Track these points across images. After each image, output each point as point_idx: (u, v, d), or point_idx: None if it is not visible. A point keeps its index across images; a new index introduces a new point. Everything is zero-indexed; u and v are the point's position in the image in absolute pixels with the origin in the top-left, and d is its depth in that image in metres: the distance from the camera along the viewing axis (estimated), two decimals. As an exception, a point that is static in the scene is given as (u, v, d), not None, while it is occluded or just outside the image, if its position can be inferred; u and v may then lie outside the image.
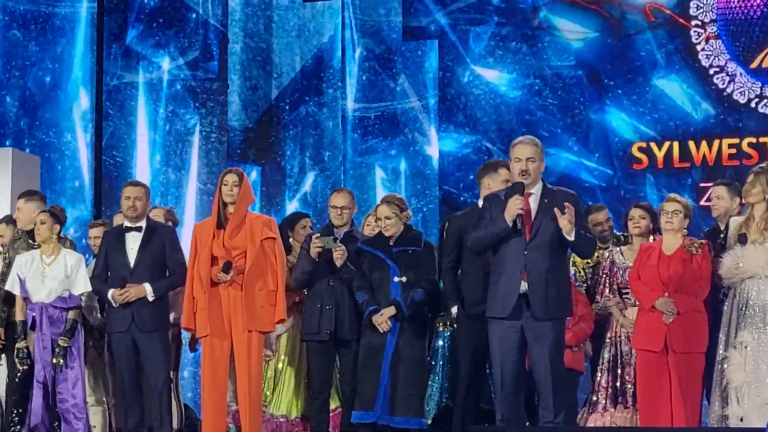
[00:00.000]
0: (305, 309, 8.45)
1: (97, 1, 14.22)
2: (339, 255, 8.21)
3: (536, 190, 7.21)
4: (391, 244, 8.20)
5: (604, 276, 8.46)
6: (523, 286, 7.07)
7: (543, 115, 13.40)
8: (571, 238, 7.03)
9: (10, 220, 9.13)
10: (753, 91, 12.64)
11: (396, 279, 8.10)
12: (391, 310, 8.03)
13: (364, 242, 8.35)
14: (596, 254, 8.53)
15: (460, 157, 13.65)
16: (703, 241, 7.99)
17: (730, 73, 12.80)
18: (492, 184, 7.95)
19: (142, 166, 14.13)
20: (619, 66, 13.25)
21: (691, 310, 7.80)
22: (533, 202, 7.17)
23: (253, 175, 13.99)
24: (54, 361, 8.26)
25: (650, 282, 7.88)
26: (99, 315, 8.82)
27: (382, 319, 8.01)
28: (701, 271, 7.83)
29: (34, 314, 8.33)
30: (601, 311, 8.47)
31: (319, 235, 8.33)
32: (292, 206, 13.85)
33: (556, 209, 7.04)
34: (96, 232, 9.12)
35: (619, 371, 8.32)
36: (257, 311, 8.11)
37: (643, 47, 13.16)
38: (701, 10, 12.96)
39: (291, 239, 9.08)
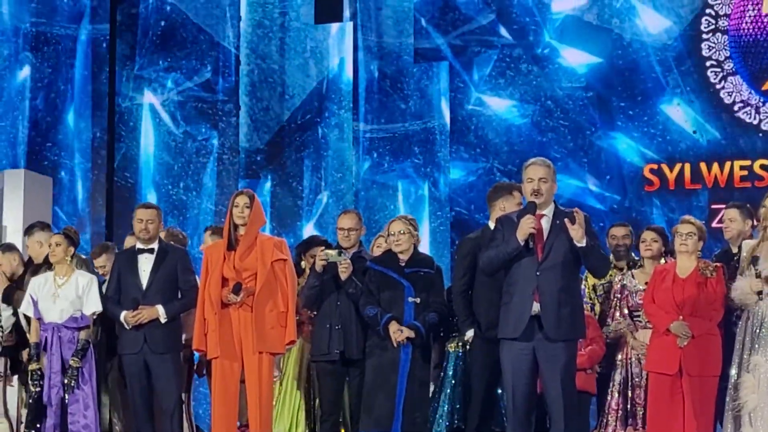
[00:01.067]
0: (315, 330, 8.44)
1: (109, 23, 14.27)
2: (344, 268, 8.18)
3: (548, 211, 7.20)
4: (403, 264, 8.18)
5: (615, 299, 8.44)
6: (536, 307, 7.06)
7: (554, 136, 13.41)
8: (582, 243, 7.01)
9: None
10: (764, 112, 12.65)
11: (411, 299, 8.09)
12: (410, 333, 8.01)
13: (373, 260, 8.34)
14: (609, 275, 8.51)
15: (471, 179, 13.65)
16: (718, 264, 7.98)
17: (741, 95, 12.80)
18: (507, 206, 7.93)
19: (155, 188, 14.16)
20: (628, 88, 13.26)
21: (706, 333, 7.78)
22: (545, 223, 7.16)
23: (265, 196, 14.00)
24: (65, 381, 8.26)
25: (664, 305, 7.86)
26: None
27: (402, 336, 7.99)
28: (716, 295, 7.81)
29: (46, 335, 8.34)
30: (612, 334, 8.45)
31: (323, 248, 8.33)
32: (307, 228, 13.86)
33: (566, 219, 7.03)
34: (101, 262, 9.10)
35: (629, 393, 8.29)
36: (267, 333, 8.10)
37: (652, 70, 13.17)
38: (711, 27, 12.98)
39: (303, 262, 9.07)
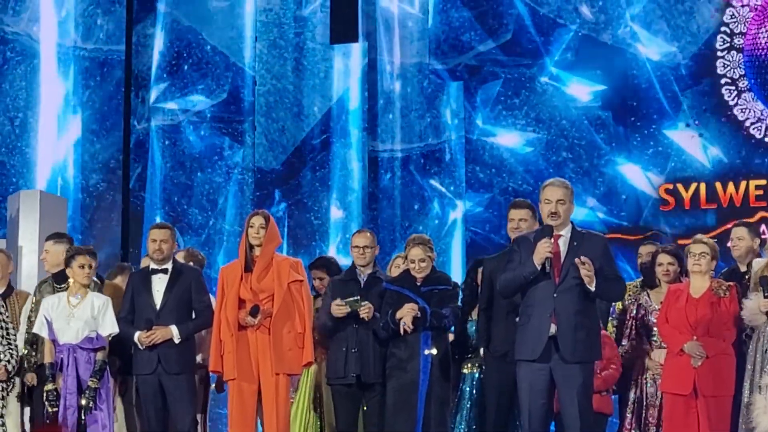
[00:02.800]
0: (330, 352, 8.41)
1: (125, 44, 14.32)
2: (365, 312, 8.17)
3: (566, 233, 7.19)
4: (419, 284, 8.18)
5: (631, 319, 8.43)
6: (552, 328, 7.04)
7: (567, 156, 13.41)
8: (593, 288, 7.02)
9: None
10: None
11: (426, 352, 8.04)
12: (413, 306, 7.98)
13: (390, 281, 8.33)
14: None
15: (486, 198, 13.66)
16: (731, 283, 7.96)
17: (756, 114, 12.79)
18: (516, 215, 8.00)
19: (170, 208, 14.18)
20: (638, 107, 13.27)
21: (720, 353, 7.77)
22: (563, 245, 7.15)
23: (280, 216, 14.02)
24: (83, 402, 8.25)
25: (678, 325, 7.85)
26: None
27: (405, 311, 7.96)
28: (729, 314, 7.79)
29: (62, 356, 8.33)
30: (627, 354, 8.43)
31: (340, 301, 8.21)
32: (326, 248, 13.87)
33: (576, 260, 7.02)
34: (118, 282, 9.08)
35: (643, 413, 8.27)
36: (285, 354, 8.09)
37: (667, 89, 13.18)
38: (726, 44, 12.98)
39: (318, 282, 9.07)
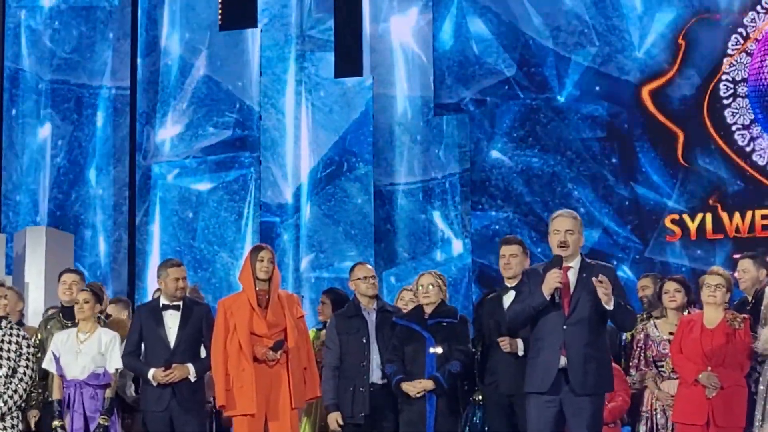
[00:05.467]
0: (339, 389, 8.35)
1: (130, 79, 14.37)
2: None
3: (575, 264, 7.18)
4: (426, 317, 8.18)
5: (639, 349, 8.42)
6: (562, 360, 7.02)
7: (574, 186, 13.43)
8: (610, 307, 6.99)
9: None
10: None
11: (432, 350, 8.06)
12: (429, 384, 7.98)
13: (399, 316, 8.33)
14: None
15: (492, 229, 13.66)
16: (746, 315, 7.95)
17: (762, 144, 12.81)
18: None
19: (177, 243, 14.19)
20: (648, 137, 13.30)
21: (734, 384, 7.74)
22: (572, 276, 7.13)
23: (287, 249, 14.03)
24: (96, 440, 8.23)
25: (692, 356, 7.83)
26: (134, 393, 8.79)
27: (418, 389, 7.96)
28: (744, 345, 7.78)
29: (69, 392, 8.31)
30: (636, 384, 8.41)
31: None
32: (326, 281, 13.88)
33: (593, 279, 7.01)
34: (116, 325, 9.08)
35: (653, 443, 8.27)
36: (300, 388, 8.07)
37: (674, 118, 13.21)
38: (732, 74, 13.03)
39: (320, 306, 9.10)
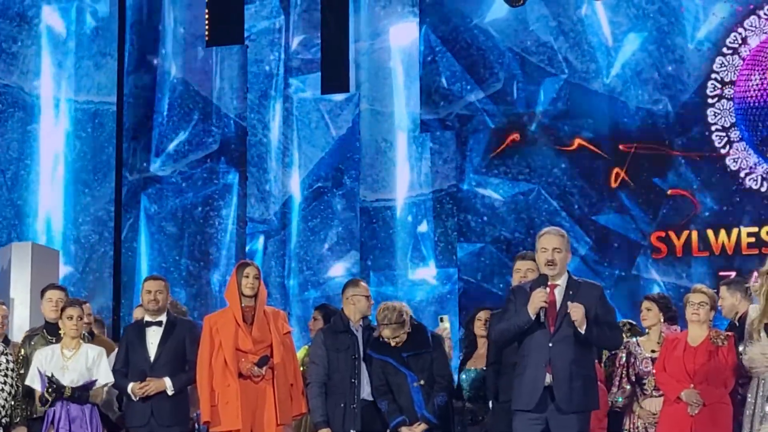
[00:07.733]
0: (328, 406, 8.33)
1: (116, 96, 14.36)
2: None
3: (562, 282, 7.18)
4: (401, 351, 8.14)
5: (620, 367, 8.42)
6: (548, 378, 7.03)
7: (561, 204, 13.45)
8: (582, 330, 7.01)
9: None
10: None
11: (415, 384, 8.07)
12: (423, 427, 8.02)
13: (372, 348, 8.25)
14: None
15: (478, 248, 13.67)
16: (729, 333, 7.97)
17: (747, 162, 12.85)
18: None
19: (161, 260, 14.17)
20: (634, 155, 13.33)
21: (717, 401, 7.77)
22: (558, 294, 7.14)
23: (273, 265, 14.01)
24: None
25: (676, 373, 7.86)
26: (117, 410, 8.78)
27: None
28: (727, 363, 7.80)
29: (55, 408, 8.28)
30: (619, 402, 8.42)
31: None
32: (313, 297, 13.88)
33: (569, 302, 7.02)
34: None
35: (635, 461, 8.28)
36: (286, 404, 8.07)
37: (657, 136, 13.25)
38: (717, 95, 13.07)
39: (311, 322, 9.08)
